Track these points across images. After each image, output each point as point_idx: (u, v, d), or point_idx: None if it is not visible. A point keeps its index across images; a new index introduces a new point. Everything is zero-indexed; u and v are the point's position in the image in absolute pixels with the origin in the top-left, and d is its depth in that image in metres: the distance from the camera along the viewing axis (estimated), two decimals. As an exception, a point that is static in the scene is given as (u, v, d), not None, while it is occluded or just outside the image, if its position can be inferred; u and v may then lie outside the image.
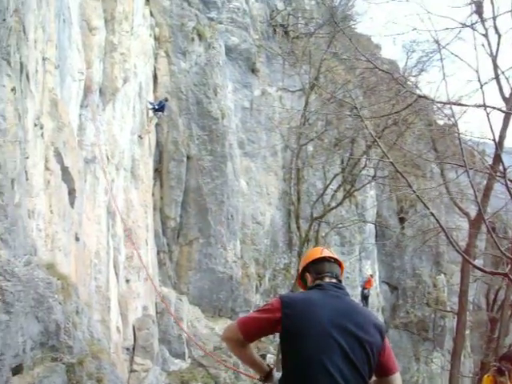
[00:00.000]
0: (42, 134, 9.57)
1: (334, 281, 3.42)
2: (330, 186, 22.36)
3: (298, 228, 22.51)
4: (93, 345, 7.62)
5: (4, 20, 6.63)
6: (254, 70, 24.20)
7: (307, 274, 3.57)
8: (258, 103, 24.26)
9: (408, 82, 16.73)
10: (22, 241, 6.92)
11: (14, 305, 5.45)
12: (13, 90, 6.99)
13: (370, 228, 27.91)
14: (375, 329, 3.21)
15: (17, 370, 5.47)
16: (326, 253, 3.61)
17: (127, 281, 16.89)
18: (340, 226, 24.15)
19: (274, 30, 26.31)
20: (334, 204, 22.21)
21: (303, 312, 3.13)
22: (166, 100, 19.69)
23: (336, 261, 3.56)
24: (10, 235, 6.24)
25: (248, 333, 3.28)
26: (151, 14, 20.74)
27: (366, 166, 21.76)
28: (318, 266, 3.51)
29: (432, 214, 11.12)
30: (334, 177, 22.60)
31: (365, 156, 20.19)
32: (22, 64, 7.74)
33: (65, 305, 6.93)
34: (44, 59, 9.70)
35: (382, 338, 3.22)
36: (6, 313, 5.30)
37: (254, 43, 24.00)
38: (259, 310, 3.38)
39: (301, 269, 3.67)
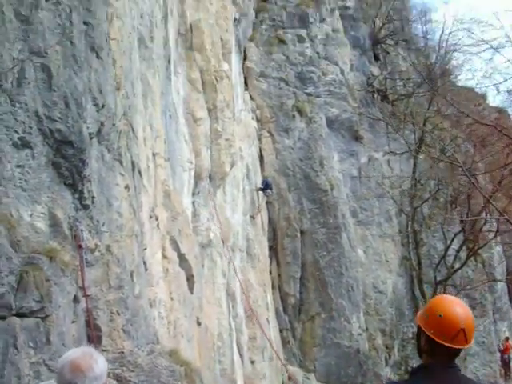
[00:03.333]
0: (157, 225, 10.05)
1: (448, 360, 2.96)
2: (452, 246, 21.35)
3: (423, 294, 21.51)
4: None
5: (114, 125, 7.18)
6: (357, 138, 24.23)
7: (423, 337, 3.05)
8: (366, 170, 24.10)
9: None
10: (144, 330, 7.13)
11: (138, 395, 5.56)
12: (126, 187, 7.45)
13: (502, 286, 26.02)
14: None
15: None
16: (462, 323, 2.89)
17: (252, 362, 16.78)
18: (468, 287, 22.73)
19: (373, 96, 26.40)
20: (457, 265, 21.12)
21: None
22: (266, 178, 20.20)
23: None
24: (132, 326, 6.46)
25: None
26: (251, 98, 21.64)
27: (486, 221, 20.63)
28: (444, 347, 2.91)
29: None
30: (455, 236, 21.58)
31: (483, 213, 19.19)
32: (133, 162, 8.27)
33: (189, 393, 6.96)
34: (154, 155, 10.32)
35: None
36: (131, 404, 5.41)
37: (354, 111, 24.16)
38: None
39: (418, 323, 3.08)
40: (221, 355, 14.29)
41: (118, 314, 6.14)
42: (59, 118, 5.81)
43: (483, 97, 30.46)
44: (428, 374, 2.99)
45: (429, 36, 31.26)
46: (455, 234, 21.61)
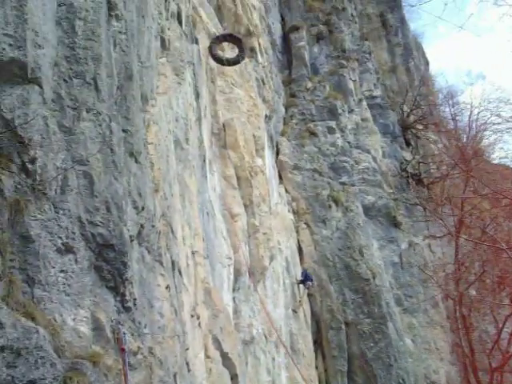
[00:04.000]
0: (199, 324, 9.93)
1: None
2: (505, 329, 20.32)
3: (479, 382, 20.32)
4: None
5: (153, 226, 7.32)
6: (396, 224, 24.05)
7: None
8: (407, 256, 23.69)
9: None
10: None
11: None
12: (167, 287, 7.46)
13: None
14: None
15: None
16: None
17: None
18: (527, 373, 21.42)
19: (407, 181, 26.42)
20: (514, 350, 19.99)
21: None
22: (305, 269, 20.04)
23: None
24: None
25: None
26: (286, 191, 21.90)
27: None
28: None
29: None
30: (507, 318, 20.60)
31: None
32: (173, 262, 8.34)
33: None
34: (193, 253, 10.39)
35: None
36: None
37: (389, 197, 24.13)
38: None
39: None
40: None
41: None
42: (101, 222, 5.96)
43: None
44: None
45: (458, 118, 31.60)
46: (507, 317, 20.64)
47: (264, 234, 16.49)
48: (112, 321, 5.86)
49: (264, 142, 19.01)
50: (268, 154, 20.07)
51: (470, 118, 27.22)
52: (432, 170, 27.73)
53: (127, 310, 6.15)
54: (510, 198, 14.51)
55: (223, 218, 14.90)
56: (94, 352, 5.39)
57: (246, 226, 15.97)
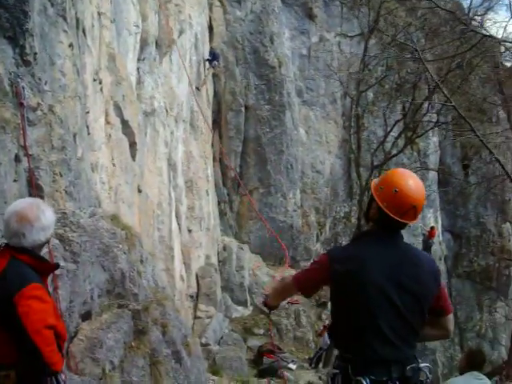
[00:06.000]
0: (101, 89, 9.75)
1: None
2: (391, 133, 21.84)
3: (359, 176, 22.24)
4: (157, 292, 7.88)
5: (58, -24, 6.68)
6: (311, 16, 23.57)
7: (374, 206, 3.13)
8: (316, 50, 23.74)
9: (473, 22, 15.94)
10: (87, 194, 7.16)
11: (81, 254, 5.69)
12: (70, 45, 7.09)
13: (433, 175, 27.21)
14: (431, 277, 3.08)
15: (86, 317, 5.75)
16: (415, 201, 3.03)
17: (189, 231, 17.28)
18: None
19: (330, -26, 25.42)
20: (395, 151, 21.74)
21: (353, 268, 2.97)
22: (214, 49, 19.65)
23: None
24: (75, 188, 6.46)
25: (305, 289, 3.30)
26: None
27: (428, 111, 21.09)
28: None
29: (497, 160, 10.76)
30: (396, 123, 22.03)
31: (427, 101, 19.52)
32: (78, 20, 7.83)
33: (129, 254, 7.14)
34: (99, 14, 9.77)
35: (438, 285, 3.10)
36: (73, 262, 5.55)
37: (309, -13, 23.31)
38: (310, 266, 3.31)
39: (373, 193, 3.15)
40: (159, 223, 14.60)
41: (61, 175, 6.09)
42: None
43: None
44: (372, 238, 3.13)
45: None
46: (396, 121, 22.01)
47: (176, 5, 15.70)
48: (10, 73, 5.60)
49: None
50: None
51: None
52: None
53: (27, 64, 5.85)
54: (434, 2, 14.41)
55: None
56: (-9, 103, 5.21)
57: (157, -7, 14.99)
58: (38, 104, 5.92)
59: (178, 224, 16.31)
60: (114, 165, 10.23)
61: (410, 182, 3.06)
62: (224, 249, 19.59)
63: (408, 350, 3.04)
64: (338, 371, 3.07)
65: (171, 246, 15.26)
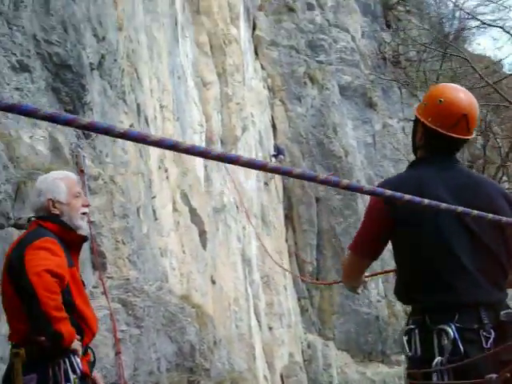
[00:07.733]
0: (167, 177, 9.93)
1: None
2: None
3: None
4: (233, 372, 7.41)
5: (115, 60, 7.05)
6: (371, 105, 23.87)
7: (419, 129, 2.70)
8: (381, 137, 23.76)
9: None
10: (152, 268, 7.03)
11: (144, 319, 5.45)
12: (131, 126, 7.33)
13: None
14: (503, 200, 2.55)
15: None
16: (465, 109, 2.55)
17: (270, 328, 16.69)
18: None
19: (385, 62, 25.94)
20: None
21: (414, 190, 2.24)
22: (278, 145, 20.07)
23: None
24: (139, 258, 6.35)
25: (368, 249, 2.71)
26: (262, 67, 21.40)
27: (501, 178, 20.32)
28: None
29: None
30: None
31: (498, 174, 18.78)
32: (138, 106, 8.15)
33: (200, 332, 6.77)
34: (162, 107, 10.19)
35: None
36: (136, 327, 5.31)
37: (366, 78, 23.79)
38: (362, 222, 2.74)
39: (416, 115, 2.73)
40: (238, 320, 14.18)
41: (124, 243, 6.03)
42: (57, 41, 5.70)
43: (499, 64, 29.66)
44: (427, 162, 2.65)
45: (441, 4, 30.50)
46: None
47: (237, 104, 16.25)
48: (71, 144, 5.77)
49: (239, 11, 18.26)
50: (243, 26, 19.33)
51: (454, 5, 26.30)
52: (411, 53, 27.15)
53: (87, 136, 6.04)
54: (488, 82, 14.34)
55: (195, 86, 14.56)
56: (51, 168, 5.31)
57: (218, 94, 15.67)
58: (99, 173, 6.01)
59: (258, 321, 15.81)
60: (183, 252, 10.16)
61: (458, 90, 2.65)
62: (308, 346, 18.71)
63: (498, 293, 2.48)
64: (413, 326, 2.52)
65: (252, 343, 14.70)
